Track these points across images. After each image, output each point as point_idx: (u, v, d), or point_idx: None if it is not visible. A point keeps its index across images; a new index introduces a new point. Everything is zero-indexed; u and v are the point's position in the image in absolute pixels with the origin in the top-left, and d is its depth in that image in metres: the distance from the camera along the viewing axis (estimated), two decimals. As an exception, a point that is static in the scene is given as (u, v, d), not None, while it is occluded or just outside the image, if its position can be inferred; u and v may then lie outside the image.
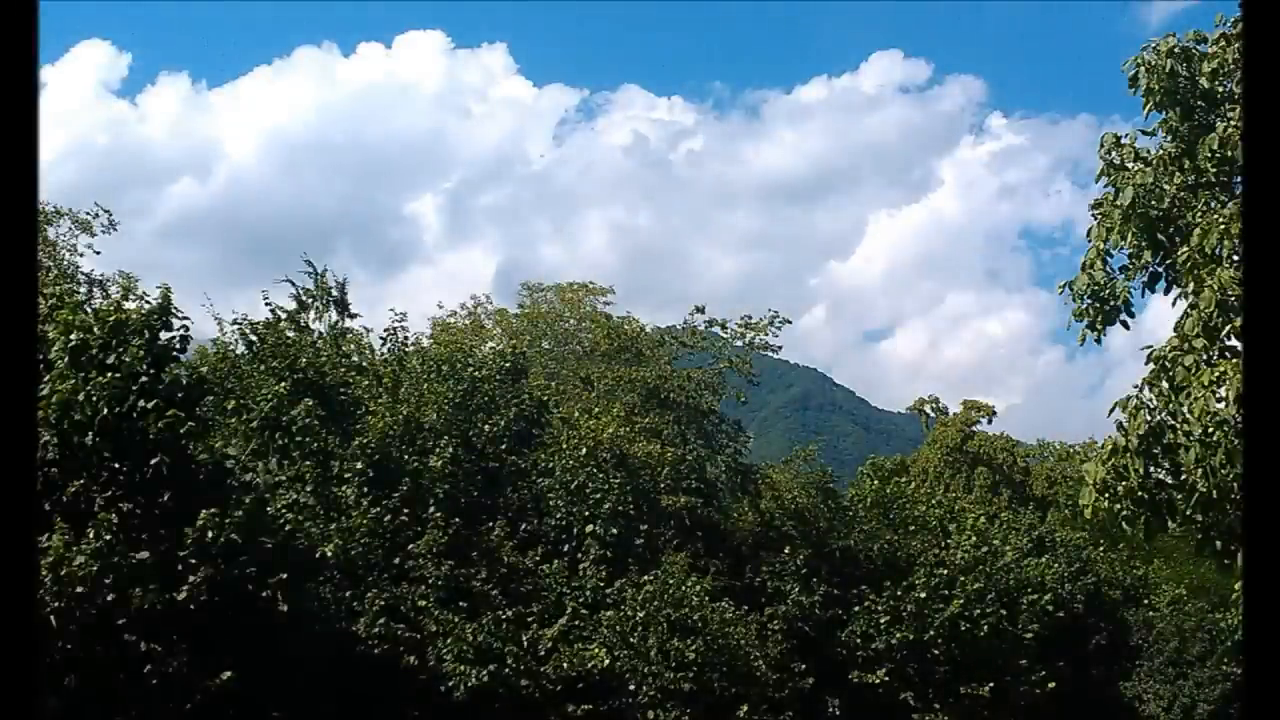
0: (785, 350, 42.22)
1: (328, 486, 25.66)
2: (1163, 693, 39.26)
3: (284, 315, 31.07)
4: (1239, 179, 16.20)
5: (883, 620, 32.53)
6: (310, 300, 33.18)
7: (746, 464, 38.02)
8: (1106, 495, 15.58)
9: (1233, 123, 15.97)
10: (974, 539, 35.62)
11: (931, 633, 32.54)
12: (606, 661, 25.80)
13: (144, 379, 19.17)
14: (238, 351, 29.39)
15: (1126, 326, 17.11)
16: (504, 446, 29.35)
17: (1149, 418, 15.11)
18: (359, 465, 26.27)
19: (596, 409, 32.48)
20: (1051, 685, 34.44)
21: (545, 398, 32.13)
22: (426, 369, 30.13)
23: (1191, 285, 15.24)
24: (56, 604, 17.27)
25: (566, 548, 28.27)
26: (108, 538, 17.58)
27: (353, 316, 34.04)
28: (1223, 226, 14.89)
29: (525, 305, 44.56)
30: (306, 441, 25.97)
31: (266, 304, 30.70)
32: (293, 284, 32.93)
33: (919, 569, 33.55)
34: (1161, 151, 17.20)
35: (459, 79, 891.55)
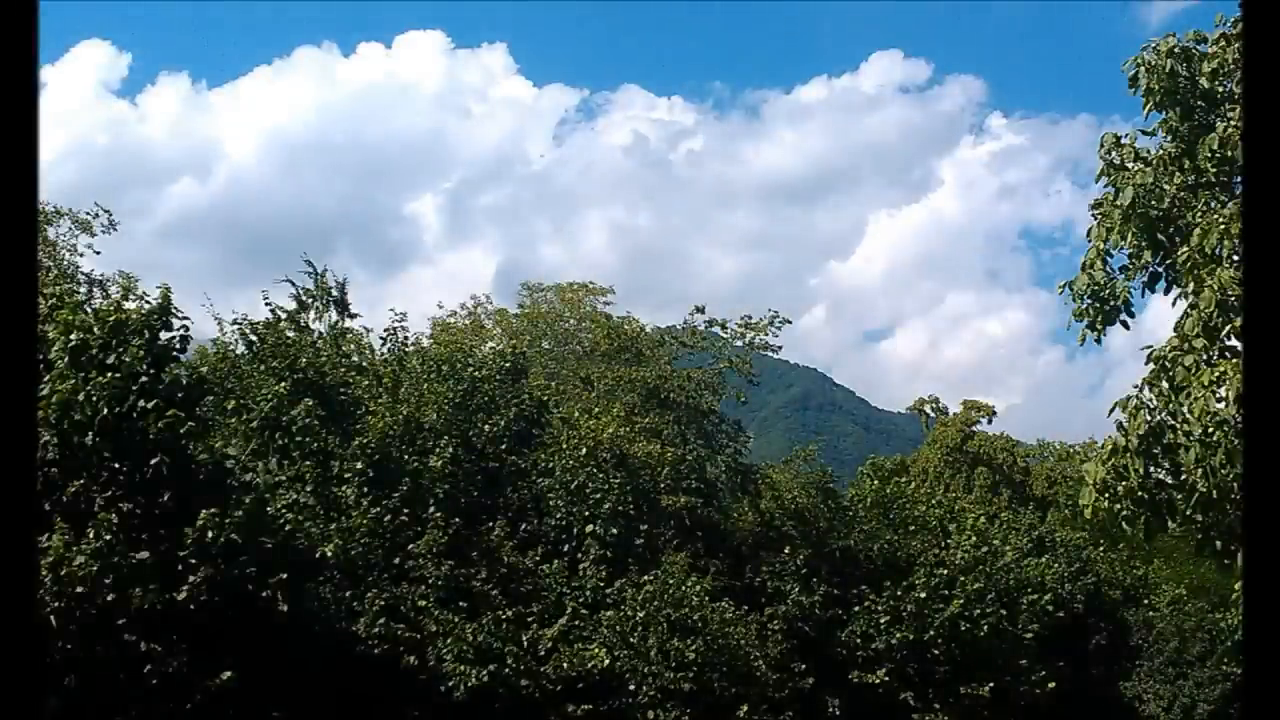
0: (785, 350, 42.38)
1: (328, 486, 25.66)
2: (1163, 693, 39.25)
3: (284, 315, 31.06)
4: (1239, 179, 16.19)
5: (883, 620, 32.50)
6: (310, 300, 33.18)
7: (746, 464, 38.01)
8: (1106, 495, 15.58)
9: (1233, 123, 15.96)
10: (974, 539, 35.59)
11: (931, 633, 32.51)
12: (606, 661, 25.79)
13: (144, 379, 19.18)
14: (238, 351, 29.39)
15: (1126, 326, 17.12)
16: (504, 446, 29.34)
17: (1149, 418, 15.11)
18: (359, 465, 26.27)
19: (596, 409, 32.46)
20: (1051, 685, 34.41)
21: (545, 398, 32.11)
22: (426, 369, 30.11)
23: (1191, 285, 15.23)
24: (56, 604, 17.28)
25: (566, 548, 28.25)
26: (108, 538, 17.60)
27: (353, 316, 34.09)
28: (1223, 226, 14.88)
29: (525, 305, 44.59)
30: (306, 441, 25.97)
31: (266, 304, 30.75)
32: (293, 284, 32.97)
33: (919, 569, 33.52)
34: (1161, 151, 17.18)
35: (459, 79, 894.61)
